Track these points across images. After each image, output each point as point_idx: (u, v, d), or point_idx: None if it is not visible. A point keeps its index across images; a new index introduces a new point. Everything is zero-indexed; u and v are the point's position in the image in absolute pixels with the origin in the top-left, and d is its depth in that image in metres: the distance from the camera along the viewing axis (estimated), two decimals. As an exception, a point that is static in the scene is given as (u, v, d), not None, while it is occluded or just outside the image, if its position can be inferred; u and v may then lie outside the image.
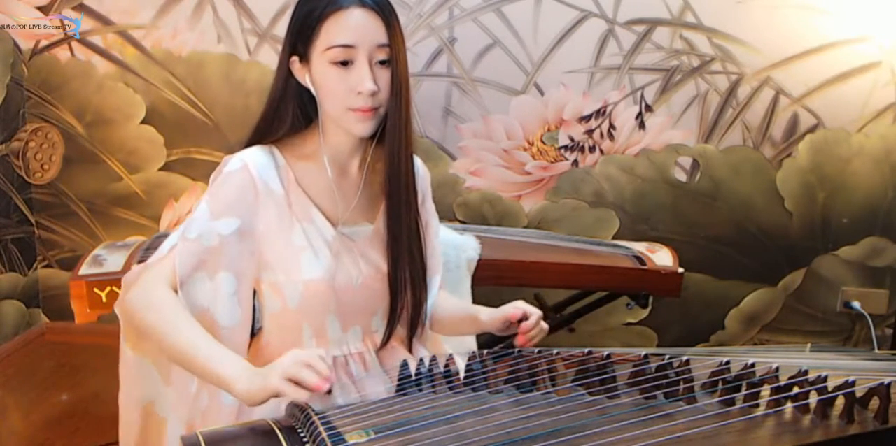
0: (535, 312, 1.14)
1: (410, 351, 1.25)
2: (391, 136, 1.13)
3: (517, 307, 1.15)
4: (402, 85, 1.10)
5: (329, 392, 0.93)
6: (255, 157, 1.13)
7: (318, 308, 1.15)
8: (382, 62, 1.08)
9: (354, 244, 1.18)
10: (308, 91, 1.13)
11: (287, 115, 1.15)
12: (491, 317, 1.17)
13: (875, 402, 0.96)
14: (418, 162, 1.26)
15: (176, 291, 1.09)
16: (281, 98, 1.15)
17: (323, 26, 1.07)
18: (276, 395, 0.94)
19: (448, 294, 1.36)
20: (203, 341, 1.02)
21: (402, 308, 1.20)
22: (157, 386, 1.21)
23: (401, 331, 1.24)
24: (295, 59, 1.12)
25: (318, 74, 1.09)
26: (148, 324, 1.07)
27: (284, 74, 1.14)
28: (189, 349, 1.02)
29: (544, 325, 1.16)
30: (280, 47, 1.16)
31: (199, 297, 1.11)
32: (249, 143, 1.16)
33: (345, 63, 1.07)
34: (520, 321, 1.14)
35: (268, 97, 1.16)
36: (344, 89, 1.08)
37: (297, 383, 0.91)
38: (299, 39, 1.10)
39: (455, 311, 1.28)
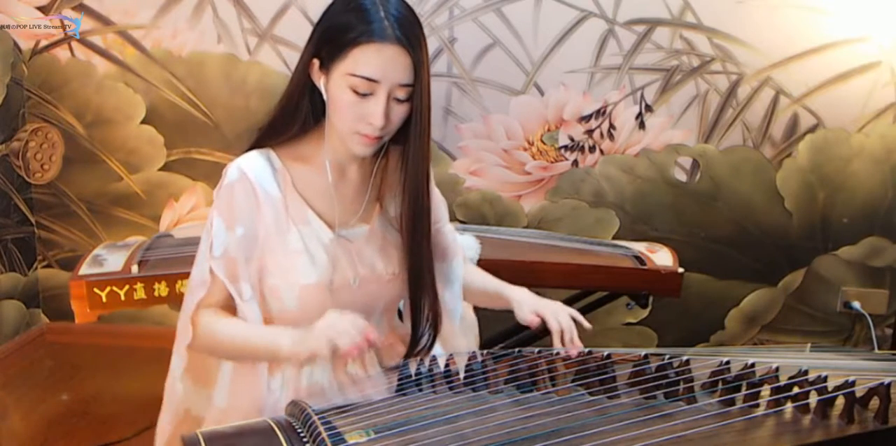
0: (559, 327, 1.18)
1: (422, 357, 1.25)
2: (412, 169, 1.14)
3: (536, 314, 1.20)
4: (425, 119, 1.11)
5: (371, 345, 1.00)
6: (252, 164, 1.14)
7: (315, 311, 1.15)
8: (400, 98, 1.08)
9: (351, 245, 1.18)
10: (318, 91, 1.13)
11: (301, 113, 1.15)
12: (519, 306, 1.23)
13: (875, 402, 0.96)
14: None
15: (224, 308, 1.15)
16: (300, 96, 1.14)
17: (354, 51, 1.05)
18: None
19: (483, 272, 1.39)
20: (249, 330, 1.13)
21: (424, 322, 1.21)
22: (195, 395, 1.24)
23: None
24: (316, 62, 1.11)
25: (334, 91, 1.09)
26: (219, 351, 1.16)
27: (304, 73, 1.13)
28: (243, 342, 1.12)
29: (567, 324, 1.19)
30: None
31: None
32: (259, 140, 1.17)
33: (364, 93, 1.07)
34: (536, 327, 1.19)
35: (285, 93, 1.15)
36: (356, 115, 1.08)
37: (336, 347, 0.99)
38: (325, 48, 1.09)
39: (486, 287, 1.33)
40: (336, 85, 1.08)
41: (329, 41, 1.08)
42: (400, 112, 1.09)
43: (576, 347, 1.16)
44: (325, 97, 1.12)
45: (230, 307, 1.14)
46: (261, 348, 1.10)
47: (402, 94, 1.07)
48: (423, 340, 1.22)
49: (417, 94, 1.09)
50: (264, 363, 1.17)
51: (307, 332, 1.03)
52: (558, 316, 1.19)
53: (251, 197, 1.13)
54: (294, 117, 1.15)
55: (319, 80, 1.12)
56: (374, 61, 1.05)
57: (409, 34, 1.06)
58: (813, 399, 0.95)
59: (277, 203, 1.14)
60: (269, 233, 1.14)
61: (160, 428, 1.27)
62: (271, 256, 1.14)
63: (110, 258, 1.88)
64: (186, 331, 1.15)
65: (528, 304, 1.23)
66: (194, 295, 1.16)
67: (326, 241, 1.16)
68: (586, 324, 1.21)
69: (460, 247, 1.34)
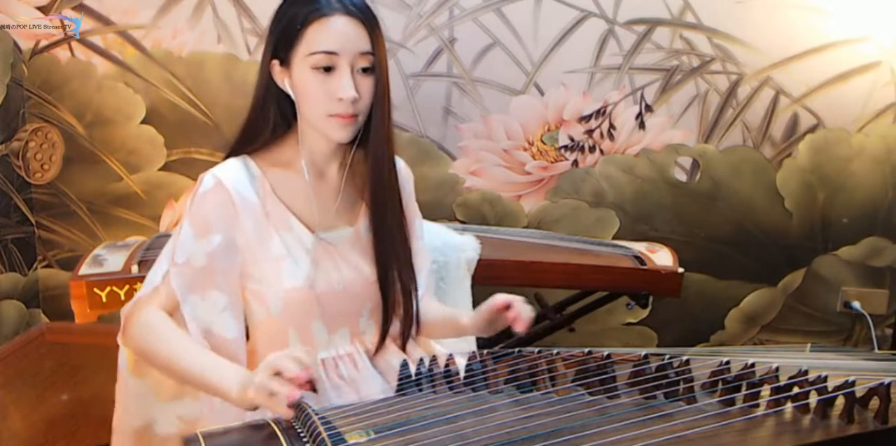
0: (514, 298, 1.14)
1: (404, 349, 1.25)
2: (374, 143, 1.14)
3: (496, 299, 1.15)
4: (384, 92, 1.11)
5: (314, 390, 0.94)
6: (229, 172, 1.13)
7: (301, 314, 1.15)
8: (364, 70, 1.09)
9: (335, 248, 1.18)
10: (287, 96, 1.13)
11: (269, 120, 1.15)
12: (473, 319, 1.18)
13: (875, 402, 0.96)
14: (401, 163, 1.27)
15: (171, 315, 1.11)
16: (264, 102, 1.15)
17: (306, 32, 1.07)
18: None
19: (432, 298, 1.36)
20: (199, 356, 1.05)
21: (394, 309, 1.20)
22: (155, 406, 1.22)
23: (393, 330, 1.24)
24: (275, 62, 1.12)
25: (298, 79, 1.09)
26: (150, 351, 1.09)
27: (266, 78, 1.14)
28: (187, 365, 1.05)
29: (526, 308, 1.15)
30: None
31: (200, 316, 1.12)
32: (234, 149, 1.17)
33: (327, 69, 1.07)
34: (507, 308, 1.14)
35: (252, 102, 1.17)
36: (324, 95, 1.08)
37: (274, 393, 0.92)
38: (281, 43, 1.10)
39: (438, 316, 1.29)
40: (299, 73, 1.09)
41: (282, 36, 1.09)
42: (367, 85, 1.09)
43: (525, 322, 1.11)
44: (293, 96, 1.12)
45: (176, 313, 1.12)
46: (201, 378, 1.03)
47: (364, 62, 1.08)
48: (396, 336, 1.23)
49: (377, 66, 1.09)
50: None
51: (250, 378, 0.96)
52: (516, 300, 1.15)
53: (228, 206, 1.11)
54: (264, 125, 1.15)
55: (284, 82, 1.12)
56: (328, 34, 1.06)
57: (358, 6, 1.08)
58: (813, 399, 0.95)
59: (257, 210, 1.13)
60: (249, 240, 1.13)
61: (117, 427, 1.24)
62: (253, 263, 1.13)
63: (110, 258, 1.88)
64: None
65: (481, 307, 1.18)
66: (142, 291, 1.16)
67: (309, 245, 1.15)
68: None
69: (427, 265, 1.32)
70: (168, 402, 1.21)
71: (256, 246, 1.13)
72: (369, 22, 1.08)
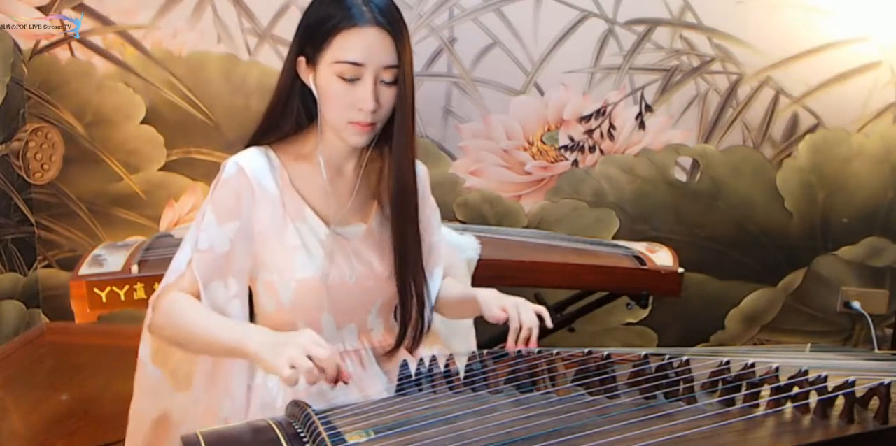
0: (518, 325, 1.13)
1: (412, 350, 1.25)
2: (397, 150, 1.14)
3: (502, 309, 1.14)
4: (409, 102, 1.11)
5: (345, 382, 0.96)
6: (250, 160, 1.15)
7: (311, 306, 1.17)
8: (386, 81, 1.09)
9: (348, 243, 1.19)
10: (310, 91, 1.14)
11: (292, 112, 1.16)
12: (486, 304, 1.17)
13: (875, 402, 0.96)
14: (417, 163, 1.27)
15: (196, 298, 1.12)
16: (288, 95, 1.16)
17: (335, 38, 1.07)
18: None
19: (452, 279, 1.36)
20: (227, 323, 1.08)
21: (412, 309, 1.21)
22: (170, 396, 1.23)
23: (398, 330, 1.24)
24: (302, 59, 1.12)
25: (322, 82, 1.10)
26: (175, 325, 1.10)
27: (292, 72, 1.14)
28: (215, 334, 1.05)
29: (531, 322, 1.13)
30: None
31: (217, 304, 1.13)
32: (253, 140, 1.18)
33: (351, 79, 1.08)
34: (504, 322, 1.14)
35: (274, 93, 1.17)
36: (346, 103, 1.09)
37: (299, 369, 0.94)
38: (309, 43, 1.10)
39: (457, 296, 1.29)
40: (324, 76, 1.09)
41: (311, 35, 1.10)
42: (388, 95, 1.10)
43: (528, 346, 1.11)
44: (315, 94, 1.12)
45: (199, 297, 1.13)
46: (223, 344, 1.04)
47: (388, 76, 1.08)
48: (408, 339, 1.23)
49: (402, 77, 1.09)
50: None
51: (276, 344, 0.97)
52: (521, 311, 1.14)
53: (246, 191, 1.13)
54: (284, 118, 1.16)
55: (309, 78, 1.13)
56: (357, 45, 1.06)
57: (389, 17, 1.07)
58: (813, 399, 0.95)
59: (275, 200, 1.15)
60: (265, 229, 1.15)
61: (134, 414, 1.25)
62: (268, 252, 1.15)
63: (110, 258, 1.88)
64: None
65: (494, 301, 1.17)
66: (167, 279, 1.17)
67: (323, 237, 1.17)
68: (549, 323, 1.15)
69: (443, 260, 1.32)
70: (185, 393, 1.22)
71: (272, 235, 1.15)
72: (398, 33, 1.08)
